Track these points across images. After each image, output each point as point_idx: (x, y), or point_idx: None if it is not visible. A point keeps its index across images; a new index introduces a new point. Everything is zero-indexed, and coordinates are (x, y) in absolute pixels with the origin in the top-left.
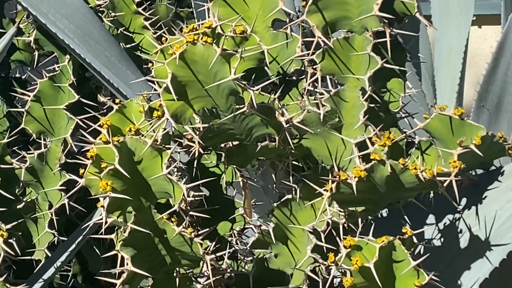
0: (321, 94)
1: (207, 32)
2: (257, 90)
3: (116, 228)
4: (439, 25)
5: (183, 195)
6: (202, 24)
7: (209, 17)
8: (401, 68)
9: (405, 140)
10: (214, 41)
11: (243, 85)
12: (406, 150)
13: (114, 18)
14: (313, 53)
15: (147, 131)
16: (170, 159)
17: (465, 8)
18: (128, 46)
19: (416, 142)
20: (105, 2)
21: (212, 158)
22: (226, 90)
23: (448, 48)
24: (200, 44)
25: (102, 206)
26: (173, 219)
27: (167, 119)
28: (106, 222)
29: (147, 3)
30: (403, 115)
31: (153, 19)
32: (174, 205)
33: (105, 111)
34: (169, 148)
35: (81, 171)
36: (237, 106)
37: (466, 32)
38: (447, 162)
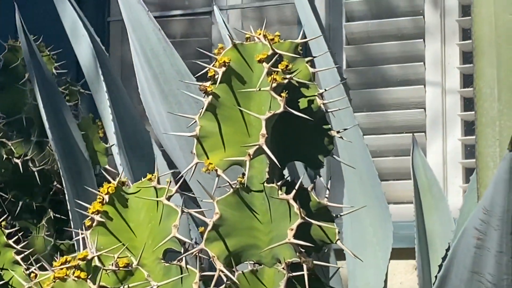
0: None
1: (80, 265)
2: None
3: None
4: (353, 257)
5: None
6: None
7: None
8: None
9: None
10: (89, 276)
11: None
12: None
13: None
14: None
15: None
16: None
17: (383, 239)
18: None
19: None
20: None
21: None
22: None
23: (365, 284)
24: (71, 280)
25: None
26: None
27: None
28: None
29: (20, 234)
30: None
31: (26, 253)
32: None
33: None
34: None
35: None
36: None
37: (385, 265)
38: None
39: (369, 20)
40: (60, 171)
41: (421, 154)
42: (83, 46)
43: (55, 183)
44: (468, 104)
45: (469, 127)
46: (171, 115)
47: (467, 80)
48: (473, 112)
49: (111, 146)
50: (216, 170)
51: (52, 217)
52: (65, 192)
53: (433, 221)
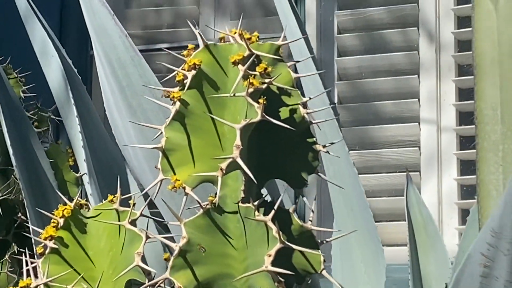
0: None
1: None
2: None
3: None
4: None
5: None
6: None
7: (36, 277)
8: None
9: None
10: None
11: None
12: None
13: None
14: None
15: None
16: None
17: (375, 276)
18: None
19: None
20: None
21: None
22: None
23: None
24: None
25: None
26: None
27: None
28: None
29: None
30: None
31: None
32: None
33: None
34: None
35: None
36: None
37: None
38: None
39: (362, 55)
40: (25, 202)
41: (415, 191)
42: (52, 68)
43: (19, 214)
44: (465, 142)
45: (465, 167)
46: (139, 133)
47: (464, 117)
48: (470, 151)
49: (82, 175)
50: (184, 188)
51: (16, 252)
52: (30, 224)
53: (428, 262)
